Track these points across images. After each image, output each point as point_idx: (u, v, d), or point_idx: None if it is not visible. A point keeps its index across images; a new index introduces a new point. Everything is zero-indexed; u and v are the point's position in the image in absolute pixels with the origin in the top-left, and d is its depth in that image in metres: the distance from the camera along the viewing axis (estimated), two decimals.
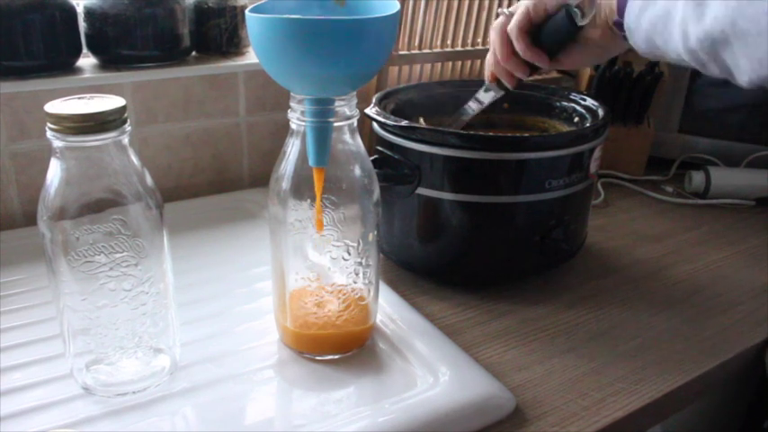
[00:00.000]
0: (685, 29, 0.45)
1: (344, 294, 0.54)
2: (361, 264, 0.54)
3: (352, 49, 0.44)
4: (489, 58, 0.67)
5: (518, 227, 0.65)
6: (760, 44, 0.41)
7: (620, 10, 0.53)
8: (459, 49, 0.95)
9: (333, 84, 0.47)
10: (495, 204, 0.63)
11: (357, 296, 0.55)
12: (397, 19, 0.47)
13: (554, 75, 1.09)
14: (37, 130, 0.74)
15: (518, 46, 0.61)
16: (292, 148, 0.50)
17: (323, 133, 0.48)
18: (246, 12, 0.45)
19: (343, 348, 0.55)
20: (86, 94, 0.45)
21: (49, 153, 0.43)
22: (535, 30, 0.62)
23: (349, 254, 0.53)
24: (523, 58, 0.62)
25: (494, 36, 0.64)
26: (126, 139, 0.44)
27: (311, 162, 0.49)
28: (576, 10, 0.58)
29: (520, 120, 0.78)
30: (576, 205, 0.67)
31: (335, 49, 0.44)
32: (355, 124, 0.51)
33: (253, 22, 0.45)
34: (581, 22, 0.58)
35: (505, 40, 0.63)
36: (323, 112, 0.48)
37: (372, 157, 0.58)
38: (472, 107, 0.71)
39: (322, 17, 0.43)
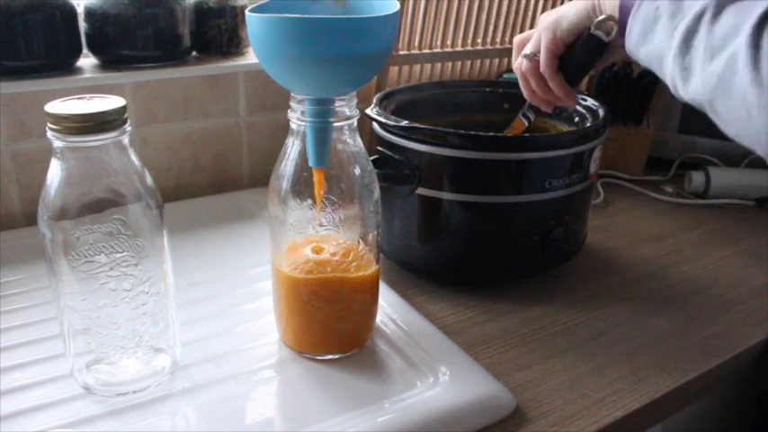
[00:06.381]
0: (674, 83, 0.48)
1: (343, 243, 0.53)
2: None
3: (352, 48, 0.44)
4: (525, 91, 0.67)
5: (518, 227, 0.65)
6: (737, 120, 0.43)
7: (622, 23, 0.53)
8: (459, 49, 0.95)
9: (333, 84, 0.47)
10: (495, 204, 0.63)
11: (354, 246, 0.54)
12: (396, 19, 0.47)
13: None
14: (37, 130, 0.74)
15: (555, 88, 0.63)
16: (292, 148, 0.50)
17: (323, 133, 0.48)
18: (246, 12, 0.45)
19: (344, 347, 0.55)
20: (86, 94, 0.45)
21: (50, 153, 0.43)
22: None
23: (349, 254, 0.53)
24: (559, 95, 0.64)
25: (529, 77, 0.64)
26: (126, 139, 0.44)
27: (311, 162, 0.49)
28: (599, 32, 0.58)
29: None
30: (576, 205, 0.67)
31: (335, 49, 0.44)
32: (355, 124, 0.51)
33: (253, 22, 0.45)
34: (608, 39, 0.58)
35: (541, 80, 0.64)
36: (323, 112, 0.48)
37: (372, 157, 0.58)
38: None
39: (322, 17, 0.43)
